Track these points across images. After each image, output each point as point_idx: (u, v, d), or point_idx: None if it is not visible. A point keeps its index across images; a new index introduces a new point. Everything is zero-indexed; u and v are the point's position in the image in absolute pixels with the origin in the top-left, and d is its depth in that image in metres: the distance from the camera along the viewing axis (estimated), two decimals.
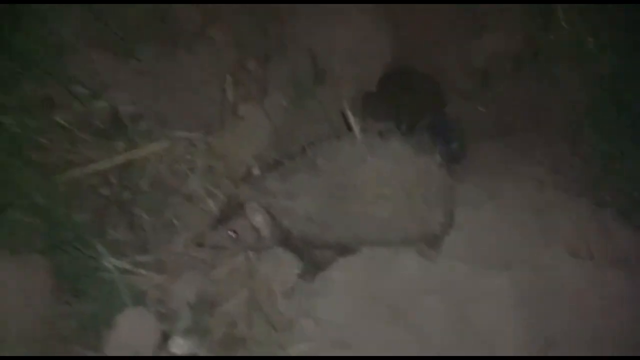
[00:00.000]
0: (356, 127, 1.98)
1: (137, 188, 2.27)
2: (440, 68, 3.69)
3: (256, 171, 1.89)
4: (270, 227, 1.81)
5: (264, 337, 1.88)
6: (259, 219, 1.79)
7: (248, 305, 1.97)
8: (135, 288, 1.97)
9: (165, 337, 1.29)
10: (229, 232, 1.83)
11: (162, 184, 2.32)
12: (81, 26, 2.70)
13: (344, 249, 1.97)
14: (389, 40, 3.62)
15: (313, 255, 1.96)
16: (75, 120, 2.40)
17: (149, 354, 1.66)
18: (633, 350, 2.04)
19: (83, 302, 1.98)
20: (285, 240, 1.87)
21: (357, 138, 1.94)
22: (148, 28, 2.88)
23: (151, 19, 2.91)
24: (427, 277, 2.10)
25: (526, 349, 1.97)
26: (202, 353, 1.70)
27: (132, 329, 1.73)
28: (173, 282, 2.02)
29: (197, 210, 2.25)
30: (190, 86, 2.71)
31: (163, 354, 1.29)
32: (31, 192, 2.19)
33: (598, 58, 2.94)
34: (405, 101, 3.47)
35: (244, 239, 1.84)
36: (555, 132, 2.89)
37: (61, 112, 2.38)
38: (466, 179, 2.72)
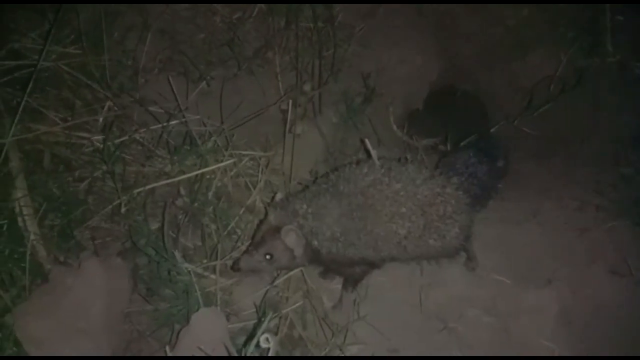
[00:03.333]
0: (374, 154, 2.14)
1: (206, 200, 2.48)
2: (486, 88, 3.81)
3: (279, 196, 2.07)
4: (302, 247, 1.97)
5: (320, 338, 2.05)
6: (292, 241, 1.96)
7: (303, 310, 2.14)
8: (206, 290, 2.17)
9: (251, 335, 1.48)
10: (266, 255, 1.99)
11: (227, 197, 2.53)
12: (156, 51, 2.98)
13: (371, 264, 2.12)
14: (435, 60, 3.77)
15: (345, 270, 2.12)
16: (152, 138, 2.65)
17: (218, 348, 1.85)
18: None
19: (159, 301, 2.20)
20: (316, 258, 2.03)
21: (375, 164, 2.10)
22: (215, 53, 3.15)
23: (218, 44, 3.17)
24: (471, 291, 2.22)
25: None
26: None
27: (205, 325, 1.93)
28: (238, 286, 2.22)
29: (257, 222, 2.45)
30: (253, 107, 2.93)
31: (250, 349, 1.48)
32: (112, 201, 2.45)
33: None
34: (450, 119, 3.61)
35: (279, 260, 2.01)
36: (598, 155, 2.95)
37: (141, 130, 2.63)
38: (509, 196, 2.83)
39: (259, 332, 1.48)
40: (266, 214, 2.05)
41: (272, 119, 2.98)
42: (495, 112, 3.57)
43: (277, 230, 1.97)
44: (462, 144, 3.19)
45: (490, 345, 2.08)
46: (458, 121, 3.56)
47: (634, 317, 2.18)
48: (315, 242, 1.97)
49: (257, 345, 1.50)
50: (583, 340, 2.13)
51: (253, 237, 2.08)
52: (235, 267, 2.02)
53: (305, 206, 1.98)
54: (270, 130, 2.93)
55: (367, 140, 2.19)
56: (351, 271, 2.13)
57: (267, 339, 1.47)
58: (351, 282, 2.17)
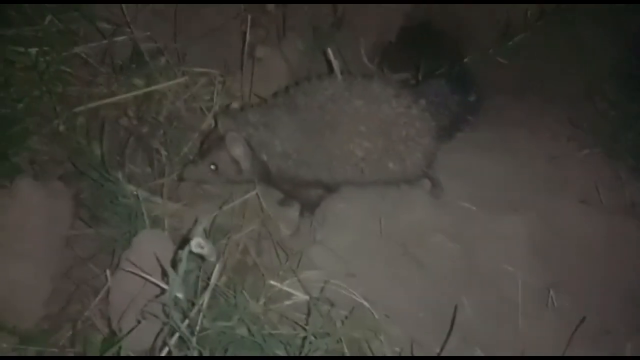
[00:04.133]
0: (337, 68, 1.97)
1: (155, 122, 2.28)
2: (461, 19, 3.60)
3: (235, 105, 1.89)
4: (249, 159, 1.81)
5: (273, 264, 1.92)
6: (238, 152, 1.80)
7: (259, 236, 2.00)
8: (153, 215, 2.01)
9: (185, 242, 1.34)
10: (210, 165, 1.83)
11: (180, 120, 2.33)
12: None
13: (327, 188, 1.98)
14: None
15: (300, 193, 1.97)
16: (97, 54, 2.41)
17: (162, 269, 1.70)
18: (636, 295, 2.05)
19: (102, 226, 2.03)
20: (266, 175, 1.88)
21: (337, 77, 1.93)
22: None
23: None
24: (435, 217, 2.10)
25: (531, 290, 1.98)
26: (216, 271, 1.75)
27: (148, 247, 1.77)
28: (188, 211, 2.05)
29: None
30: (210, 27, 2.69)
31: (182, 255, 1.33)
32: (52, 121, 2.23)
33: (624, 15, 2.85)
34: (424, 52, 3.41)
35: (225, 172, 1.85)
36: (575, 88, 2.83)
37: (84, 45, 2.38)
38: (479, 128, 2.70)
39: (191, 237, 1.32)
40: (216, 123, 1.88)
41: (232, 42, 2.76)
42: (471, 45, 3.39)
43: (223, 139, 1.79)
44: (435, 73, 3.04)
45: (452, 270, 1.99)
46: (432, 54, 3.37)
47: (602, 246, 2.11)
48: (265, 157, 1.81)
49: (191, 252, 1.35)
50: (550, 268, 2.05)
51: (200, 146, 1.92)
52: (179, 177, 1.88)
53: (258, 116, 1.81)
54: (230, 53, 2.71)
55: (329, 51, 2.01)
56: (307, 195, 1.99)
57: (199, 245, 1.32)
58: (308, 207, 2.04)
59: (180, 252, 1.31)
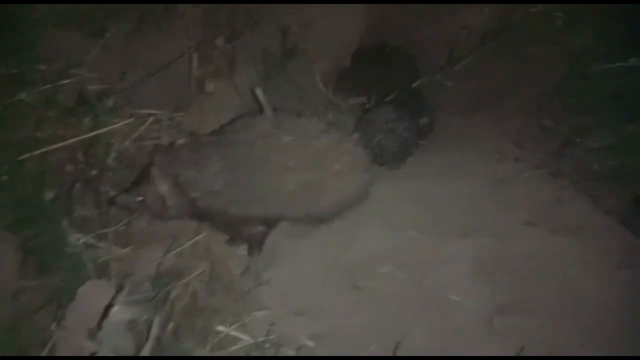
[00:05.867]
0: (266, 106, 1.99)
1: (104, 165, 2.26)
2: (414, 42, 3.64)
3: (181, 141, 1.91)
4: (176, 196, 1.82)
5: (222, 306, 1.91)
6: (163, 188, 1.81)
7: (209, 277, 1.99)
8: (99, 261, 1.98)
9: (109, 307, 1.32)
10: (138, 197, 1.85)
11: (130, 161, 2.32)
12: (49, 5, 2.67)
13: (266, 224, 1.99)
14: (364, 14, 3.58)
15: (241, 231, 1.98)
16: (42, 98, 2.38)
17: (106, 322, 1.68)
18: (584, 317, 2.07)
19: (49, 276, 1.99)
20: (197, 213, 1.88)
21: (267, 114, 1.95)
22: (117, 6, 2.85)
23: None
24: (384, 246, 2.11)
25: (478, 315, 2.00)
26: (157, 322, 1.73)
27: (92, 300, 1.76)
28: (137, 255, 2.04)
29: None
30: (159, 63, 2.68)
31: (106, 324, 1.31)
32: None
33: (567, 34, 2.91)
34: (379, 76, 3.45)
35: (151, 205, 1.87)
36: (521, 107, 2.88)
37: (28, 90, 2.36)
38: (430, 151, 2.74)
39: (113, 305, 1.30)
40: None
41: (182, 77, 2.75)
42: (426, 68, 3.43)
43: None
44: (385, 100, 3.07)
45: (403, 301, 1.99)
46: (387, 78, 3.40)
47: (548, 268, 2.13)
48: (194, 194, 1.81)
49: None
50: (497, 291, 2.06)
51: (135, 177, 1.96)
52: (109, 201, 1.93)
53: (188, 153, 1.81)
54: (180, 89, 2.70)
55: (258, 90, 2.02)
56: (249, 232, 1.98)
57: (120, 312, 1.30)
58: (254, 245, 2.03)
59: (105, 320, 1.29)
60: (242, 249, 2.07)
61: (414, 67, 3.59)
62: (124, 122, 2.34)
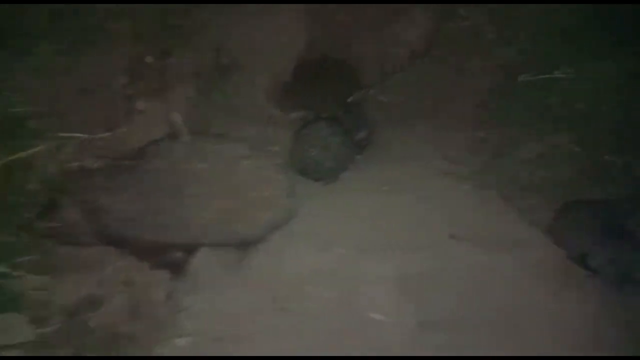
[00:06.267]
0: (183, 132, 1.98)
1: (24, 190, 2.20)
2: (355, 56, 3.66)
3: (87, 164, 1.88)
4: (88, 222, 1.79)
5: (143, 333, 1.87)
6: (78, 214, 1.78)
7: (129, 305, 1.95)
8: (14, 292, 1.92)
9: None
10: (54, 223, 1.83)
11: (50, 185, 2.25)
12: None
13: (187, 249, 1.97)
14: (304, 28, 3.59)
15: (159, 257, 1.95)
16: None
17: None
18: (510, 331, 2.10)
19: None
20: (111, 239, 1.85)
21: (184, 139, 1.93)
22: (46, 24, 2.79)
23: (50, 15, 2.81)
24: (312, 266, 2.11)
25: (406, 333, 2.01)
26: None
27: (6, 334, 1.70)
28: (55, 284, 1.98)
29: None
30: (87, 83, 2.63)
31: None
32: None
33: (497, 47, 2.98)
34: (320, 90, 3.46)
35: (66, 232, 1.86)
36: (456, 120, 2.93)
37: None
38: (366, 166, 2.75)
39: None
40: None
41: (112, 96, 2.70)
42: (367, 81, 3.44)
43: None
44: (322, 114, 3.07)
45: (328, 321, 1.99)
46: (328, 92, 3.41)
47: (473, 282, 2.16)
48: (108, 221, 1.78)
49: None
50: (424, 308, 2.08)
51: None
52: (25, 227, 1.91)
53: (103, 178, 1.78)
54: (111, 109, 2.65)
55: (174, 114, 2.00)
56: (168, 258, 1.95)
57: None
58: (176, 271, 2.00)
59: None
60: (165, 275, 2.03)
61: (356, 81, 3.61)
62: (47, 146, 2.27)
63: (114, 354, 1.81)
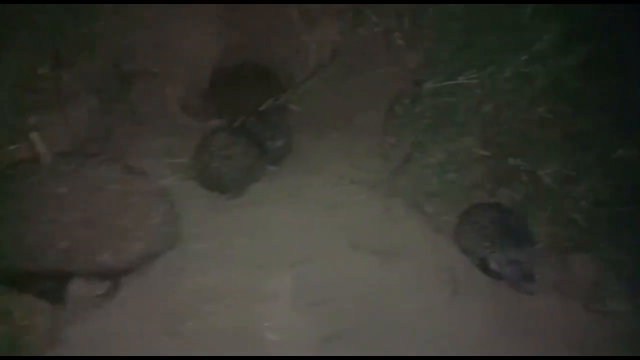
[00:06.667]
0: (45, 153, 1.87)
1: None
2: (268, 64, 3.60)
3: None
4: None
5: None
6: None
7: (8, 338, 1.84)
8: None
9: None
10: None
11: None
12: None
13: (58, 278, 1.88)
14: (221, 33, 3.51)
15: (27, 285, 1.85)
16: None
17: None
18: (412, 342, 2.10)
19: None
20: None
21: (45, 163, 1.83)
22: None
23: None
24: (209, 285, 2.05)
25: (304, 349, 1.98)
26: None
27: None
28: None
29: None
30: None
31: None
32: None
33: (405, 53, 2.99)
34: (233, 98, 3.38)
35: None
36: (364, 127, 2.92)
37: None
38: (277, 177, 2.71)
39: None
40: None
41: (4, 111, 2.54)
42: (280, 89, 3.38)
43: None
44: (234, 123, 3.00)
45: (224, 341, 1.94)
46: (242, 100, 3.33)
47: (372, 291, 2.16)
48: None
49: None
50: (323, 321, 2.06)
51: None
52: None
53: None
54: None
55: (33, 134, 1.88)
56: (41, 288, 1.84)
57: None
58: (52, 299, 1.89)
59: None
60: (45, 305, 1.92)
61: (270, 89, 3.55)
62: None
63: None
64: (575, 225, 2.66)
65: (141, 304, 1.92)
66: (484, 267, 2.33)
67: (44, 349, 1.79)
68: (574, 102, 2.77)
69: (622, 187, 2.62)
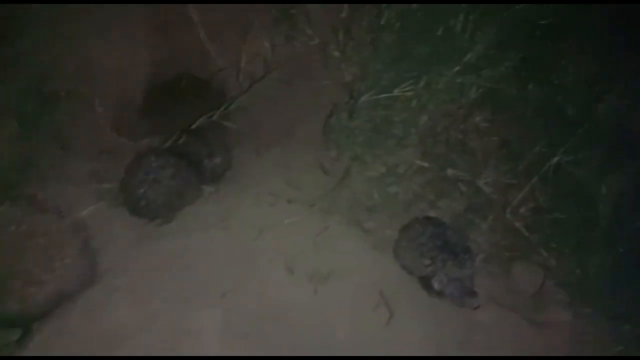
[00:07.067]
0: None
1: None
2: (216, 75, 3.47)
3: None
4: None
5: None
6: None
7: None
8: None
9: None
10: None
11: None
12: None
13: None
14: (154, 47, 3.36)
15: None
16: None
17: None
18: None
19: None
20: None
21: None
22: None
23: None
24: (129, 324, 1.92)
25: None
26: None
27: None
28: None
29: None
30: None
31: None
32: None
33: (342, 66, 2.93)
34: (171, 114, 3.24)
35: None
36: (304, 141, 2.84)
37: None
38: (213, 199, 2.59)
39: None
40: None
41: None
42: (213, 105, 3.24)
43: None
44: (177, 141, 2.87)
45: None
46: (183, 115, 3.19)
47: (305, 316, 2.07)
48: None
49: None
50: (255, 353, 1.95)
51: None
52: None
53: None
54: None
55: None
56: None
57: None
58: None
59: None
60: None
61: (212, 102, 3.41)
62: None
63: None
64: (516, 234, 2.63)
65: (57, 347, 1.76)
66: (425, 285, 2.28)
67: None
68: (509, 110, 2.76)
69: (560, 193, 2.61)
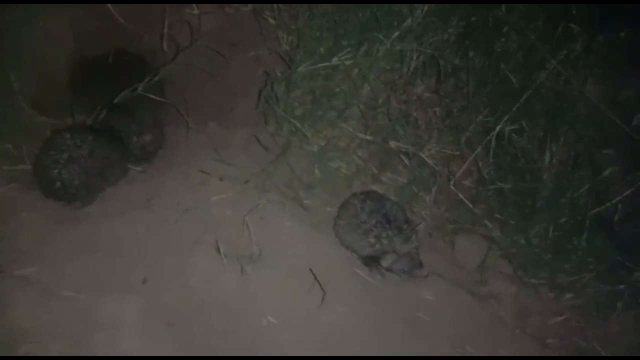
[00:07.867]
0: None
1: None
2: (146, 46, 3.21)
3: None
4: None
5: None
6: None
7: None
8: None
9: None
10: None
11: None
12: None
13: None
14: (76, 20, 3.09)
15: None
16: None
17: None
18: (277, 350, 1.87)
19: None
20: None
21: None
22: None
23: None
24: (37, 319, 1.72)
25: None
26: None
27: None
28: None
29: None
30: None
31: None
32: None
33: (274, 37, 2.73)
34: (97, 90, 2.98)
35: None
36: (242, 117, 2.66)
37: None
38: (139, 178, 2.38)
39: None
40: None
41: None
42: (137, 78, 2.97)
43: None
44: (92, 116, 2.63)
45: None
46: (109, 91, 2.91)
47: (242, 302, 1.90)
48: None
49: None
50: (180, 341, 1.78)
51: None
52: None
53: None
54: None
55: None
56: None
57: None
58: None
59: None
60: None
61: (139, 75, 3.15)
62: None
63: None
64: (460, 205, 2.54)
65: None
66: (368, 263, 2.15)
67: None
68: (451, 79, 2.63)
69: (505, 164, 2.52)
